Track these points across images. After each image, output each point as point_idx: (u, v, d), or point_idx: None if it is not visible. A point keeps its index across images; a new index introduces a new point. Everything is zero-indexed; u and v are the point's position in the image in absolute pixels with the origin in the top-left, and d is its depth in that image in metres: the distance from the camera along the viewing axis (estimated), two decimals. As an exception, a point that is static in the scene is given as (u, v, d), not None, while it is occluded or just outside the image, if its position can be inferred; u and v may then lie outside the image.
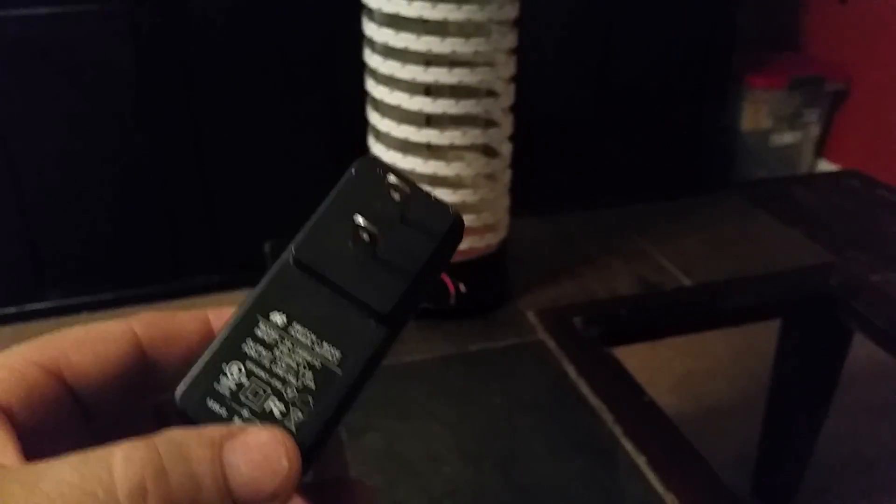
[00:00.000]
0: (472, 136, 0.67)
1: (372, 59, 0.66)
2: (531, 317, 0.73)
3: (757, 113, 1.89)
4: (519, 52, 0.68)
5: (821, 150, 2.04)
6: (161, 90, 1.49)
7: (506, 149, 0.71)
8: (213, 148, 1.55)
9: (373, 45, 0.66)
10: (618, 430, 0.60)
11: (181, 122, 1.52)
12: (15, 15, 1.37)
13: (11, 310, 1.55)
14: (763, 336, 1.00)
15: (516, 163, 0.73)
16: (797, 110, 1.92)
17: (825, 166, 2.03)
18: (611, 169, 1.84)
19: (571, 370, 0.66)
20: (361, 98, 0.71)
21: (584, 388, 0.64)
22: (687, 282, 0.79)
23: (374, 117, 0.69)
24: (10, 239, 1.51)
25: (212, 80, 1.51)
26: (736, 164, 1.95)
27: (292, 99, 1.57)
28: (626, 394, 0.64)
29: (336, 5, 1.48)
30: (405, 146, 0.68)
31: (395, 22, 0.63)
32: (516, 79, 0.69)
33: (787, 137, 1.94)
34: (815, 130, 1.98)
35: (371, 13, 0.66)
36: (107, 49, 1.43)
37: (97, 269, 1.58)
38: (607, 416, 0.61)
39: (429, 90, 0.65)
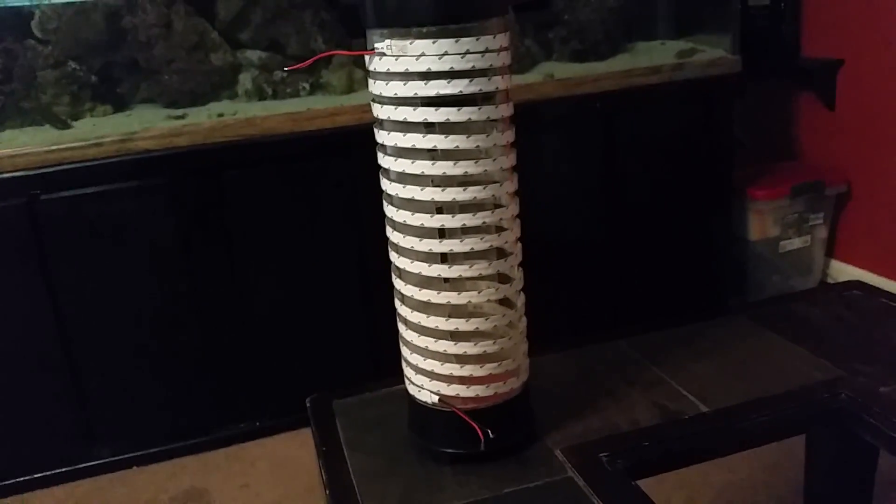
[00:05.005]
0: (488, 293, 0.74)
1: (393, 235, 0.75)
2: (559, 455, 0.77)
3: (763, 223, 1.96)
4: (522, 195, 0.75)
5: (831, 251, 2.09)
6: (202, 251, 1.58)
7: (520, 300, 0.78)
8: (251, 301, 1.63)
9: (393, 223, 0.75)
10: (648, 566, 0.63)
11: (221, 278, 1.61)
12: (65, 196, 1.49)
13: (63, 469, 1.60)
14: (792, 440, 1.02)
15: (531, 301, 0.79)
16: (802, 216, 1.99)
17: (837, 265, 2.08)
18: (626, 296, 1.88)
19: (600, 507, 0.70)
20: (387, 254, 0.78)
21: (614, 525, 0.67)
22: (704, 408, 0.83)
23: (398, 283, 0.77)
24: (60, 399, 1.57)
25: (248, 239, 1.60)
26: (749, 273, 2.00)
27: (325, 254, 1.66)
28: (653, 527, 0.67)
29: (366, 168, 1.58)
30: (427, 307, 0.75)
31: (410, 204, 0.72)
32: (522, 239, 0.76)
33: (796, 242, 2.00)
34: (822, 233, 2.04)
35: (392, 206, 0.75)
36: (149, 219, 1.54)
37: (145, 424, 1.63)
38: (637, 552, 0.64)
39: (445, 258, 0.73)
